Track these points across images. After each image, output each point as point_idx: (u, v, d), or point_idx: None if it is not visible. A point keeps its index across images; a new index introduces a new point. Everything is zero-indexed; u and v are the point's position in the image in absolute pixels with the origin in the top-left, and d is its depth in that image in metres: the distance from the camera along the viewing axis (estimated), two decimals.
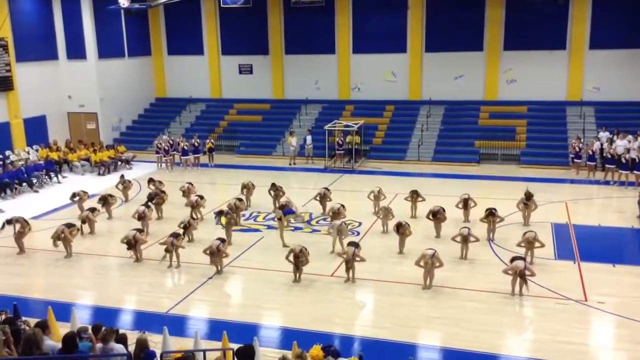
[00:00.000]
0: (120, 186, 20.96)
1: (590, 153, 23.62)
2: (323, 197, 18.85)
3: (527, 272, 12.59)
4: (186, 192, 19.70)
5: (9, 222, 16.40)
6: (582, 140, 24.64)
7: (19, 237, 16.02)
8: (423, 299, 12.96)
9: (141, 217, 17.17)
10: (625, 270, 14.29)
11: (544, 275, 13.66)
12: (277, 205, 18.24)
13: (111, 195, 19.43)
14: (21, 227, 16.04)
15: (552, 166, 25.14)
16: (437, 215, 16.49)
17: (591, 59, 27.72)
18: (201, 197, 18.55)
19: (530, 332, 11.59)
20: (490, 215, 16.17)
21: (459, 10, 28.81)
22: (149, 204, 18.22)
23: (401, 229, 15.34)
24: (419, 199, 18.32)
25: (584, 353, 10.71)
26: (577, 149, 24.07)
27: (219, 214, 16.98)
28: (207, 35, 32.95)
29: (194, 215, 18.00)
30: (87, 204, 18.84)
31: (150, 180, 20.78)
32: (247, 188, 19.70)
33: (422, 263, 13.21)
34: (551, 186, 22.12)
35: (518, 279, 12.68)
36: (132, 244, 15.10)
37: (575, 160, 24.17)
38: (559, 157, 25.67)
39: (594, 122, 27.06)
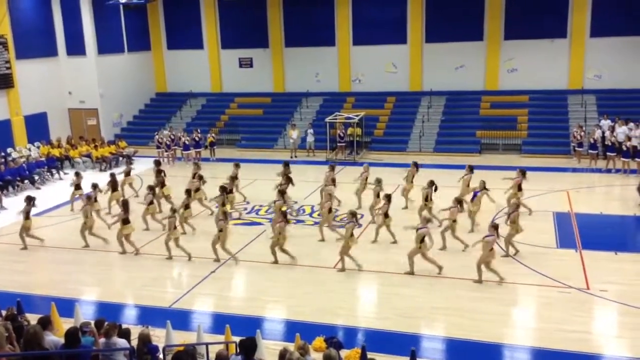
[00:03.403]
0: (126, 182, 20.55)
1: (592, 141, 23.55)
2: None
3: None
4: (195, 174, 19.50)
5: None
6: (583, 128, 24.55)
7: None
8: (425, 289, 12.98)
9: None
10: (627, 258, 14.29)
11: (546, 263, 13.68)
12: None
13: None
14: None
15: (554, 155, 25.10)
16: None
17: (592, 47, 27.60)
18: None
19: (533, 321, 11.61)
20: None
21: (458, 0, 28.70)
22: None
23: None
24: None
25: (587, 341, 10.71)
26: (579, 138, 24.01)
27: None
28: (206, 29, 32.87)
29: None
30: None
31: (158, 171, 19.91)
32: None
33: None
34: (553, 175, 22.09)
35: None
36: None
37: (577, 148, 24.12)
38: (560, 146, 25.62)
39: (596, 110, 26.96)
